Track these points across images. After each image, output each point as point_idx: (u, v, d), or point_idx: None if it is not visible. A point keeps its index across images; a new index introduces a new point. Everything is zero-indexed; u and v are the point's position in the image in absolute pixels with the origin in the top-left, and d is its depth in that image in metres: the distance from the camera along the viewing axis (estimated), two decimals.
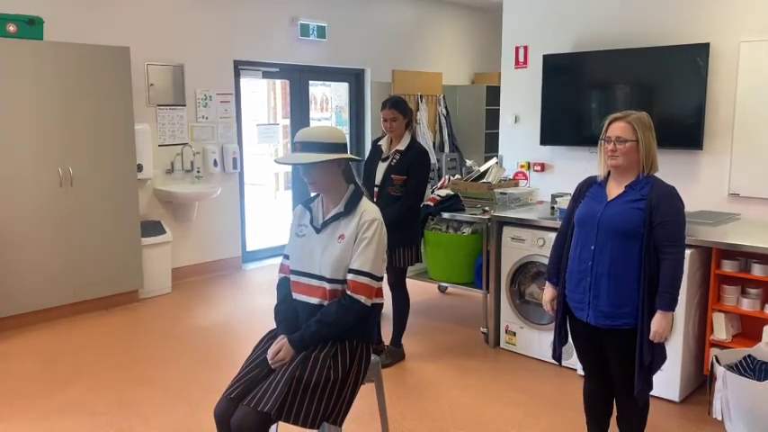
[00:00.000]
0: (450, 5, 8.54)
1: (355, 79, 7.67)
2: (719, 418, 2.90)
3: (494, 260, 4.22)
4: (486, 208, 4.41)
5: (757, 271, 3.30)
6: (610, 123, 2.57)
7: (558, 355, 2.79)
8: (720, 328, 3.42)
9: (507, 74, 6.07)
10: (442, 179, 5.11)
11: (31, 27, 4.65)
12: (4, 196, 4.55)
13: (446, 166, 8.13)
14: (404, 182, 3.87)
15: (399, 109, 3.91)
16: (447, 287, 5.55)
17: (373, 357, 2.62)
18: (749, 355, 2.98)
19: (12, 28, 4.56)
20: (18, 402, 3.55)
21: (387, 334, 4.09)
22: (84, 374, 3.92)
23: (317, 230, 2.50)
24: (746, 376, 2.87)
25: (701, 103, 4.83)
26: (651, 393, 2.68)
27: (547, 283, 2.82)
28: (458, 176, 5.24)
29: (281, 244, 5.92)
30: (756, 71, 4.64)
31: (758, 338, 3.14)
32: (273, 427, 2.46)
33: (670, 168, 4.27)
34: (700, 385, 3.58)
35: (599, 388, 2.76)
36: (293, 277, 2.54)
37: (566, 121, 5.59)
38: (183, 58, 5.89)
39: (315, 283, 2.46)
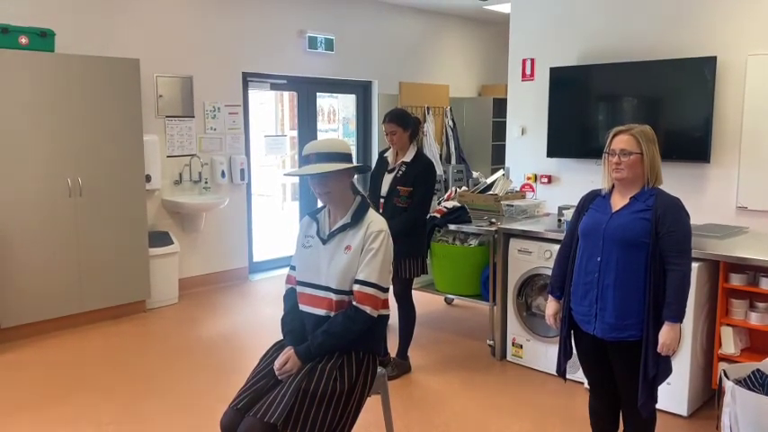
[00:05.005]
0: (456, 18, 8.58)
1: (362, 91, 7.71)
2: None
3: (500, 272, 4.21)
4: (493, 220, 4.40)
5: (765, 285, 3.28)
6: (614, 136, 2.57)
7: (562, 371, 2.77)
8: (729, 342, 3.40)
9: (514, 86, 6.08)
10: (449, 191, 5.11)
11: (42, 39, 4.71)
12: (13, 206, 4.58)
13: (453, 177, 8.13)
14: (409, 193, 3.88)
15: (398, 122, 3.92)
16: (453, 299, 5.54)
17: (379, 369, 2.61)
18: (758, 370, 2.96)
19: (24, 40, 4.62)
20: (25, 412, 3.56)
21: (393, 346, 4.08)
22: (91, 384, 3.93)
23: (324, 241, 2.51)
24: (755, 391, 2.84)
25: (708, 117, 4.83)
26: (659, 407, 2.67)
27: (550, 297, 2.81)
28: (464, 188, 5.24)
29: (288, 255, 5.93)
30: (764, 85, 4.63)
31: (767, 353, 3.11)
32: None
33: (677, 181, 4.27)
34: (708, 400, 3.55)
35: (604, 403, 2.74)
36: (299, 288, 2.55)
37: (573, 133, 5.59)
38: (192, 70, 5.94)
39: (321, 293, 2.47)
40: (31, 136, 4.63)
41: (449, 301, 5.67)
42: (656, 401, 2.57)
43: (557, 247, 3.10)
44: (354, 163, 2.51)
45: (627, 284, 2.50)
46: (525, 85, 5.97)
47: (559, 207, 4.24)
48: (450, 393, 3.83)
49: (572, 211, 2.92)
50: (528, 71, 5.95)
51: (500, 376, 4.10)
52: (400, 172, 3.93)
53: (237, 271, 6.49)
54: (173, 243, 5.64)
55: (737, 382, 2.86)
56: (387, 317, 2.57)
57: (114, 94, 5.00)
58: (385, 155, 4.11)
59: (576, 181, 5.51)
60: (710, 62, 4.77)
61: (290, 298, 2.61)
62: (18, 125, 4.56)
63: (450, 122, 8.47)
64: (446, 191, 5.56)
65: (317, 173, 2.42)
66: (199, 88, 5.99)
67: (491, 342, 4.38)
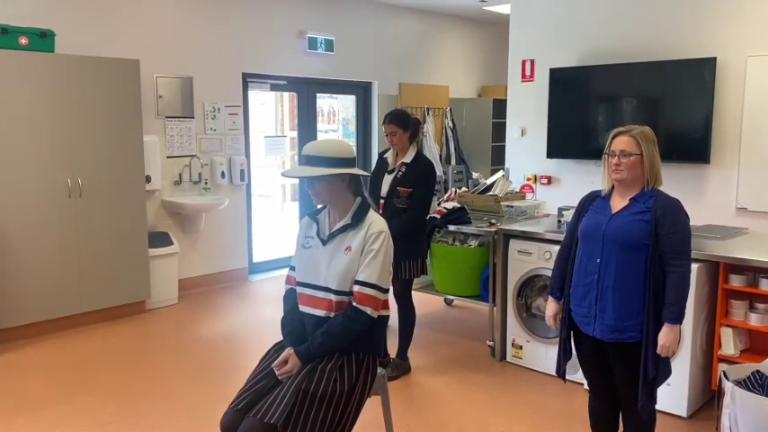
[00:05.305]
0: (456, 19, 8.59)
1: (362, 92, 7.71)
2: None
3: (500, 273, 4.22)
4: (493, 221, 4.41)
5: (765, 286, 3.29)
6: (613, 138, 2.57)
7: (562, 372, 2.77)
8: (728, 344, 3.40)
9: (514, 87, 6.08)
10: (449, 192, 5.11)
11: (42, 40, 4.71)
12: (13, 206, 4.58)
13: (452, 178, 8.12)
14: (409, 194, 3.88)
15: (398, 123, 3.92)
16: (453, 300, 5.54)
17: (379, 370, 2.61)
18: (758, 371, 2.96)
19: (24, 41, 4.62)
20: (25, 412, 3.56)
21: (392, 346, 4.08)
22: (91, 385, 3.93)
23: (324, 242, 2.51)
24: (755, 392, 2.84)
25: (708, 117, 4.83)
26: (659, 408, 2.67)
27: (549, 298, 2.82)
28: (464, 189, 5.24)
29: (288, 255, 5.93)
30: (764, 86, 4.63)
31: (767, 354, 3.12)
32: None
33: (677, 182, 4.27)
34: (708, 401, 3.55)
35: (604, 404, 2.74)
36: (299, 289, 2.54)
37: (572, 134, 5.59)
38: (192, 71, 5.94)
39: (321, 294, 2.47)
40: (31, 136, 4.62)
41: (448, 302, 5.67)
42: (655, 402, 2.57)
43: (556, 248, 3.11)
44: (355, 166, 2.50)
45: (626, 286, 2.50)
46: (525, 86, 5.97)
47: (559, 208, 4.24)
48: (450, 394, 3.83)
49: (572, 212, 2.92)
50: (528, 72, 5.95)
51: (500, 377, 4.10)
52: (400, 173, 3.93)
53: (237, 271, 6.49)
54: (173, 243, 5.64)
55: (737, 383, 2.86)
56: (387, 317, 2.57)
57: (114, 94, 5.01)
58: (385, 156, 4.11)
59: (575, 182, 5.51)
60: (710, 63, 4.77)
61: (290, 299, 2.61)
62: (18, 125, 4.55)
63: (450, 123, 8.47)
64: (446, 192, 5.56)
65: (304, 176, 2.44)
66: (199, 89, 5.99)
67: (491, 343, 4.38)
